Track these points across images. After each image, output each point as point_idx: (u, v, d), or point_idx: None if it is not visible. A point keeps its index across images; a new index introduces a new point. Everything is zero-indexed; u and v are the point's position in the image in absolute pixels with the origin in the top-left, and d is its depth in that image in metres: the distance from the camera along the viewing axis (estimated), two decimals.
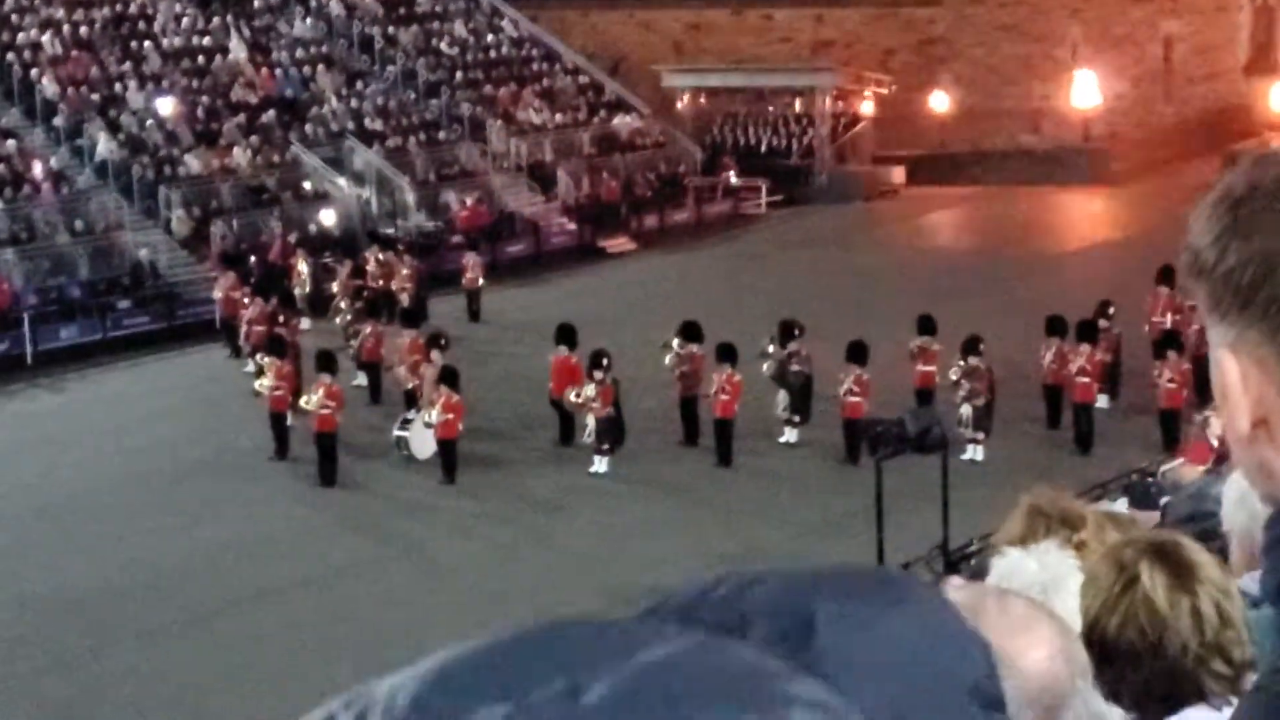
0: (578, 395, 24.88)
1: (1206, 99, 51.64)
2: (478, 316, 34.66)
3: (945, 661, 1.18)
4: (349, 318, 31.05)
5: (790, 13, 52.05)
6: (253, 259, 35.81)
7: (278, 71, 43.84)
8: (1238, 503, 3.85)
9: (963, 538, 16.88)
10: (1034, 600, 2.28)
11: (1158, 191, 42.90)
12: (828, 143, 49.04)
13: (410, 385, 26.49)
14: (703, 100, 50.69)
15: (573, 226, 42.42)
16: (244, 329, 30.76)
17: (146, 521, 22.80)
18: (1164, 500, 9.69)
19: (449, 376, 24.61)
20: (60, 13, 42.50)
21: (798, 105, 50.19)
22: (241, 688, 17.31)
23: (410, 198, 41.27)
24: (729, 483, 23.94)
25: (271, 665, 17.82)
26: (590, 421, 24.72)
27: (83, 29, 42.47)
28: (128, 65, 41.77)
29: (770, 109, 50.44)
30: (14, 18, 41.78)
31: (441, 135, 44.03)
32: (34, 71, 40.23)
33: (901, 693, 1.07)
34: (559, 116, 46.52)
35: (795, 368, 25.56)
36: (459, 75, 46.64)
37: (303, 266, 34.97)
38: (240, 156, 39.95)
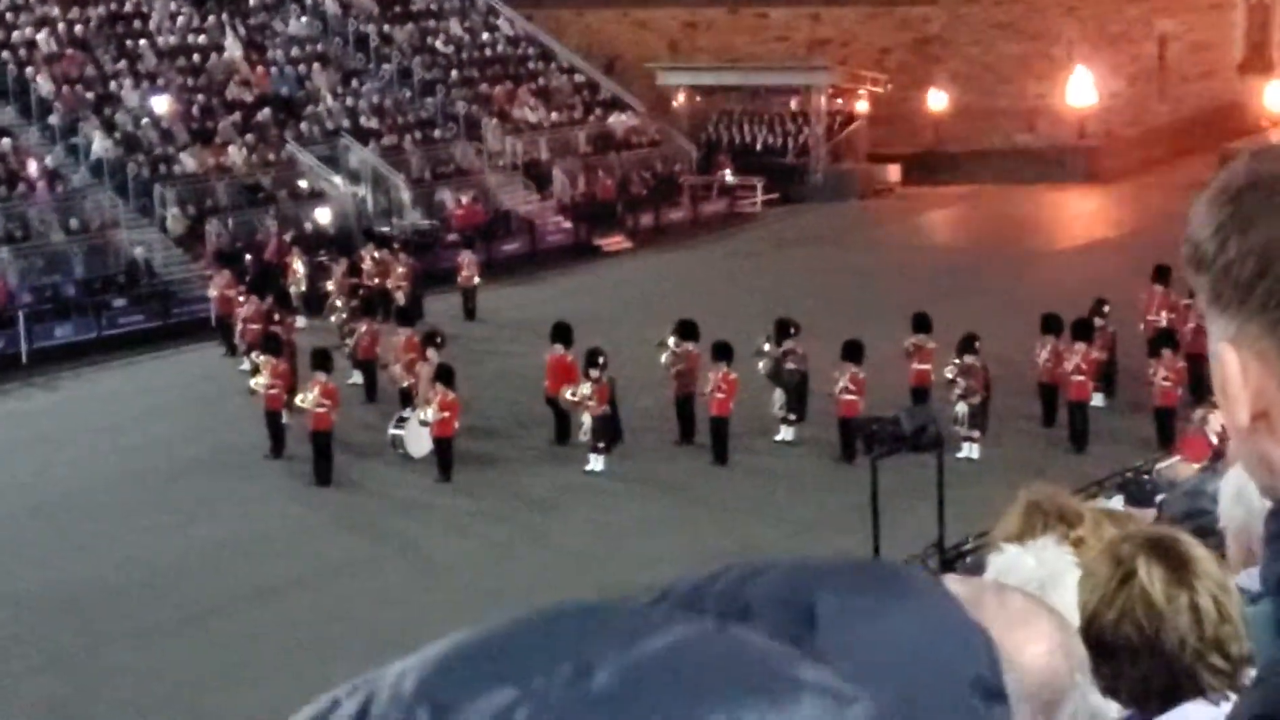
0: (573, 394, 24.88)
1: (1201, 97, 51.66)
2: (473, 315, 34.66)
3: (946, 653, 1.18)
4: (344, 316, 31.03)
5: (786, 11, 52.07)
6: (248, 257, 35.80)
7: (273, 70, 43.82)
8: (1234, 499, 3.85)
9: (958, 536, 16.90)
10: (1033, 595, 2.28)
11: (1153, 190, 42.97)
12: (823, 141, 49.05)
13: (406, 383, 26.49)
14: (698, 99, 50.69)
15: (568, 225, 42.43)
16: (239, 327, 30.75)
17: (142, 520, 22.79)
18: (1160, 498, 9.70)
19: (445, 375, 24.60)
20: (55, 11, 42.48)
21: (793, 104, 50.19)
22: (237, 686, 17.31)
23: (406, 196, 41.27)
24: (725, 481, 23.94)
25: (267, 663, 17.81)
26: (586, 420, 24.72)
27: (78, 27, 42.45)
28: (123, 63, 41.75)
29: (766, 107, 50.44)
30: (9, 15, 41.77)
31: (437, 134, 44.03)
32: (29, 70, 40.21)
33: (903, 685, 1.07)
34: (554, 115, 46.54)
35: (791, 366, 25.57)
36: (454, 74, 46.63)
37: (298, 265, 34.96)
38: (235, 155, 39.94)
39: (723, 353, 24.79)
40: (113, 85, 41.04)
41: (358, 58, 46.36)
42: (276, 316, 30.02)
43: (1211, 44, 52.91)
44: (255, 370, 26.45)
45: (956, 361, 24.71)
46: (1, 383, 31.00)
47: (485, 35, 49.44)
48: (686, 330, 26.15)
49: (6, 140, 37.80)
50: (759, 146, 49.45)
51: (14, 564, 21.27)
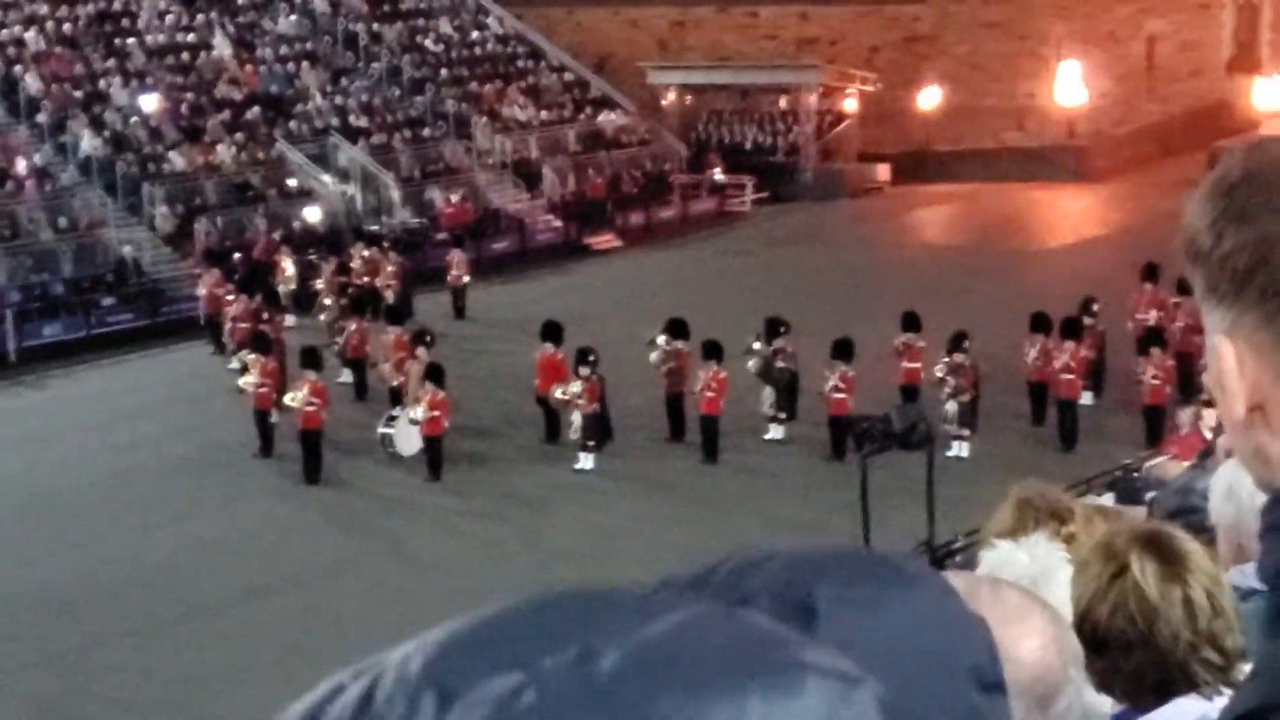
0: (564, 392, 24.88)
1: (1190, 96, 51.75)
2: (463, 313, 34.63)
3: (945, 643, 1.18)
4: (334, 315, 30.99)
5: (775, 10, 52.08)
6: (237, 256, 35.72)
7: (262, 68, 43.77)
8: (1224, 496, 3.86)
9: (948, 534, 16.91)
10: (1027, 590, 2.28)
11: (1141, 189, 43.04)
12: (813, 140, 49.06)
13: (395, 382, 26.47)
14: (688, 97, 50.68)
15: (558, 223, 42.41)
16: (228, 326, 30.71)
17: (131, 518, 22.76)
18: (1150, 495, 9.72)
19: (434, 373, 24.59)
20: (44, 9, 42.40)
21: (783, 102, 50.19)
22: (228, 683, 17.29)
23: (395, 194, 41.23)
24: (715, 480, 23.95)
25: (257, 661, 17.79)
26: (576, 418, 24.71)
27: (66, 25, 42.37)
28: (112, 62, 41.68)
29: (756, 106, 50.44)
30: None
31: (426, 132, 43.98)
32: (17, 68, 40.14)
33: (901, 674, 1.07)
34: (544, 114, 46.52)
35: (781, 364, 25.59)
36: (444, 72, 46.60)
37: (287, 263, 34.90)
38: (224, 153, 39.88)
39: (713, 351, 24.79)
40: (101, 83, 40.97)
41: (347, 56, 46.31)
42: (265, 315, 29.97)
43: (1200, 43, 53.00)
44: (244, 369, 26.42)
45: (946, 360, 24.74)
46: None
47: (475, 34, 49.41)
48: (676, 329, 26.15)
49: None
50: (749, 145, 49.45)
51: (3, 562, 21.23)
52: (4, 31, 41.29)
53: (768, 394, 25.57)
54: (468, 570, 20.41)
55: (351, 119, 43.00)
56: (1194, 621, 2.94)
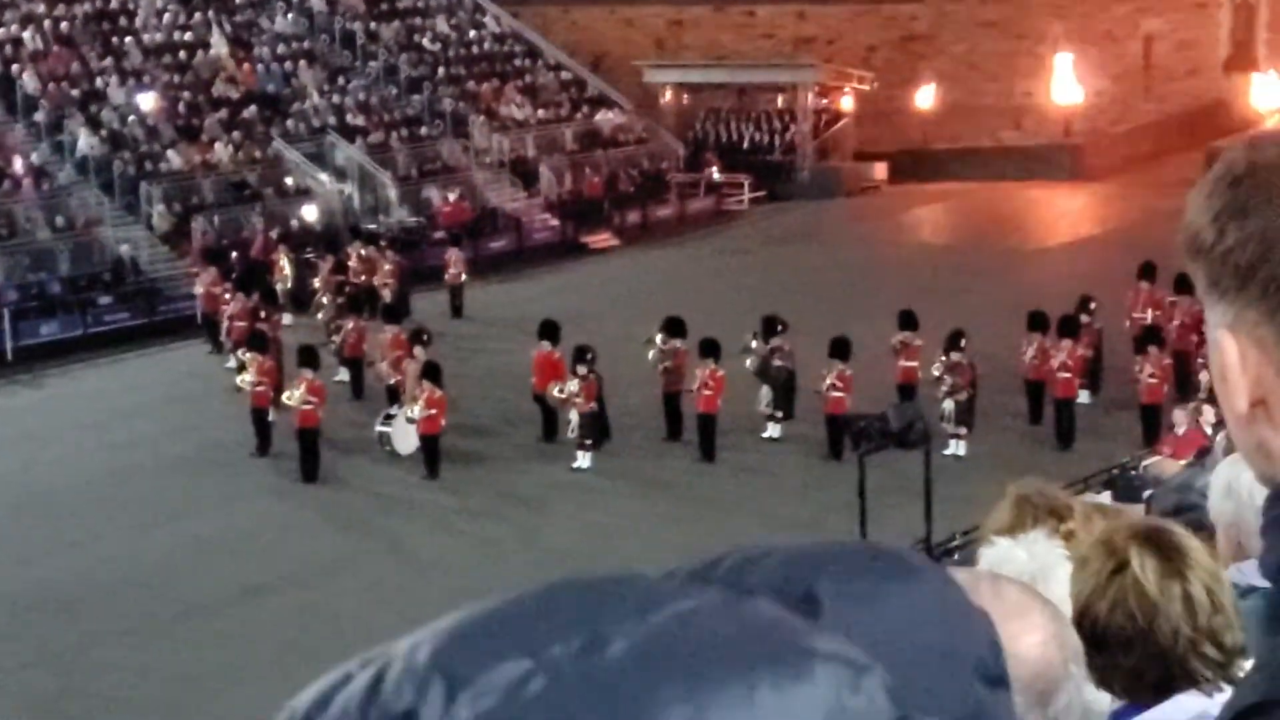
0: (561, 391, 24.88)
1: (1187, 95, 51.76)
2: (460, 312, 34.62)
3: (948, 636, 1.18)
4: (331, 313, 30.99)
5: (772, 9, 52.07)
6: (234, 254, 35.72)
7: (259, 67, 43.75)
8: (1223, 494, 3.85)
9: (945, 532, 16.94)
10: (1028, 586, 2.28)
11: (1138, 188, 43.04)
12: (810, 139, 49.05)
13: (393, 381, 26.47)
14: (685, 96, 50.67)
15: (555, 222, 42.40)
16: (225, 325, 30.70)
17: (128, 517, 22.75)
18: (1147, 493, 9.72)
19: (431, 372, 24.59)
20: (41, 8, 42.36)
21: (780, 101, 50.18)
22: (225, 682, 17.29)
23: (392, 193, 41.22)
24: (712, 478, 23.95)
25: (254, 660, 17.79)
26: (573, 417, 24.71)
27: (63, 24, 42.34)
28: (109, 61, 41.65)
29: (752, 105, 50.43)
30: None
31: (424, 131, 43.97)
32: (14, 67, 40.11)
33: (905, 667, 1.07)
34: (541, 112, 46.50)
35: (778, 363, 25.59)
36: (441, 71, 46.58)
37: (284, 262, 34.89)
38: (222, 152, 39.86)
39: (710, 350, 24.79)
40: (98, 82, 40.94)
41: (344, 55, 46.29)
42: (263, 314, 29.97)
43: (1197, 42, 53.00)
44: (241, 367, 26.41)
45: (943, 358, 24.75)
46: None
47: (472, 32, 49.39)
48: (674, 327, 26.15)
49: None
50: (746, 144, 49.44)
51: (1, 561, 21.21)
52: (1, 30, 41.25)
53: (765, 393, 25.57)
54: (465, 569, 20.41)
55: (349, 118, 42.99)
56: (1194, 618, 2.93)
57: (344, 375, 28.55)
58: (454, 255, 35.53)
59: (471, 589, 19.32)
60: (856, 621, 1.12)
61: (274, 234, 37.10)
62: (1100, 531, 3.26)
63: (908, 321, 26.26)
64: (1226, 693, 2.58)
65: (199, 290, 33.41)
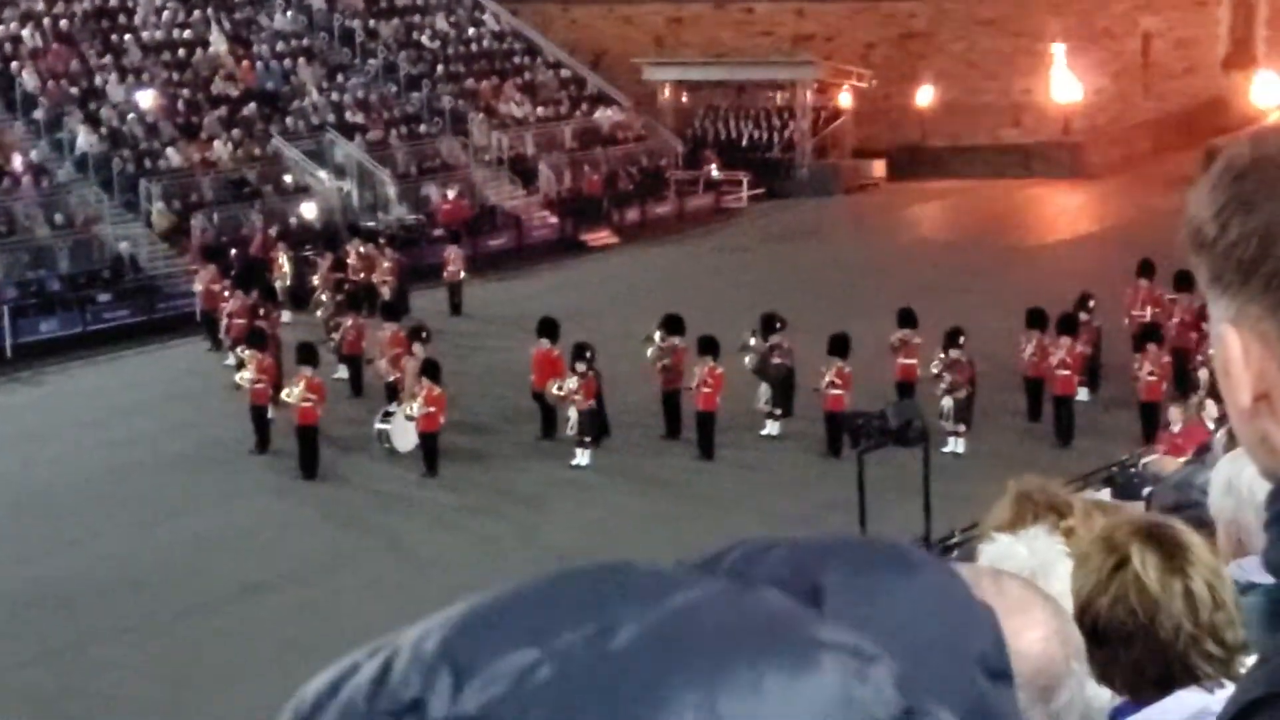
0: (560, 388, 24.88)
1: (1185, 93, 51.77)
2: (459, 310, 34.62)
3: (951, 630, 1.18)
4: (330, 311, 30.98)
5: (771, 6, 52.05)
6: (233, 252, 35.73)
7: (258, 64, 43.75)
8: (1224, 491, 3.85)
9: (944, 530, 16.93)
10: (1029, 581, 2.28)
11: (1137, 185, 43.04)
12: (808, 136, 49.05)
13: (391, 378, 26.47)
14: (684, 94, 50.66)
15: (554, 220, 42.40)
16: (224, 322, 30.71)
17: (127, 515, 22.75)
18: (1147, 491, 9.71)
19: (430, 369, 24.59)
20: (40, 5, 42.35)
21: (779, 99, 50.17)
22: (224, 680, 17.29)
23: (391, 191, 41.22)
24: (711, 476, 23.95)
25: (254, 657, 17.79)
26: (572, 414, 24.72)
27: (63, 22, 42.33)
28: (108, 58, 41.64)
29: (751, 102, 50.42)
30: None
31: (423, 128, 43.97)
32: (14, 64, 40.11)
33: (909, 660, 1.07)
34: (540, 110, 46.50)
35: (777, 361, 25.59)
36: (440, 69, 46.57)
37: (283, 260, 34.91)
38: (221, 150, 39.86)
39: (709, 347, 24.80)
40: (98, 80, 40.94)
41: (343, 52, 46.28)
42: (262, 311, 29.97)
43: (1195, 40, 53.01)
44: (240, 365, 26.41)
45: (942, 356, 24.76)
46: None
47: (471, 30, 49.38)
48: (673, 325, 26.15)
49: None
50: (745, 141, 49.44)
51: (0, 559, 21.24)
52: (0, 28, 41.23)
53: (764, 390, 25.58)
54: (465, 566, 20.40)
55: (348, 115, 42.98)
56: (1195, 614, 2.93)
57: (343, 373, 28.56)
58: (453, 253, 35.52)
59: (471, 586, 19.13)
60: (860, 615, 1.12)
61: (273, 231, 37.10)
62: (1101, 528, 3.25)
63: (906, 319, 26.27)
64: (1228, 689, 2.58)
65: (198, 288, 33.41)
